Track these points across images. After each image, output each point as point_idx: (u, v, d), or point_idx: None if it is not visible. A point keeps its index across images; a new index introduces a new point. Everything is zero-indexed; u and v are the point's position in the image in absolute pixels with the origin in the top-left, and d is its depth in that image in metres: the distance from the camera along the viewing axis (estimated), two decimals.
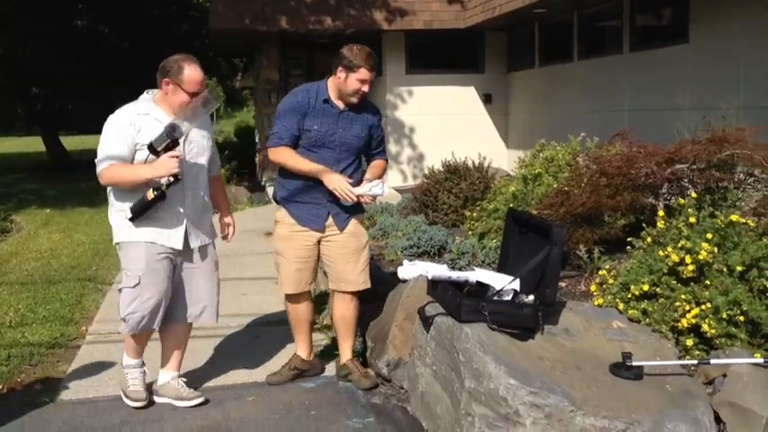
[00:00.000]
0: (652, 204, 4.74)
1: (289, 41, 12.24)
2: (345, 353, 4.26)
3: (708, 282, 3.60)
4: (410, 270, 4.62)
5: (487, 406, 3.07)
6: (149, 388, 4.01)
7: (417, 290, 4.13)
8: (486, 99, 12.42)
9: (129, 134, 3.66)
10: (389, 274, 5.18)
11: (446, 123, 12.02)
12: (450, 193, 7.26)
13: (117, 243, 3.84)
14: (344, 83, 3.96)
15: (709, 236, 3.71)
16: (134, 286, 3.76)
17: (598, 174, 4.88)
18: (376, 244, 6.54)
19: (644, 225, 4.24)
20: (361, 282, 4.16)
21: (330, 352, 4.60)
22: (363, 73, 3.93)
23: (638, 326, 3.68)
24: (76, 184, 15.35)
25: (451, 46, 12.33)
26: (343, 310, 4.20)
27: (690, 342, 3.51)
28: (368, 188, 3.95)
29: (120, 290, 3.86)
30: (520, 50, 12.04)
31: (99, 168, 3.69)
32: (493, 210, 6.05)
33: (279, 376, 4.25)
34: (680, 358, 3.47)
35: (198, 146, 3.87)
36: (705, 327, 3.46)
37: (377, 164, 4.23)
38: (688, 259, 3.63)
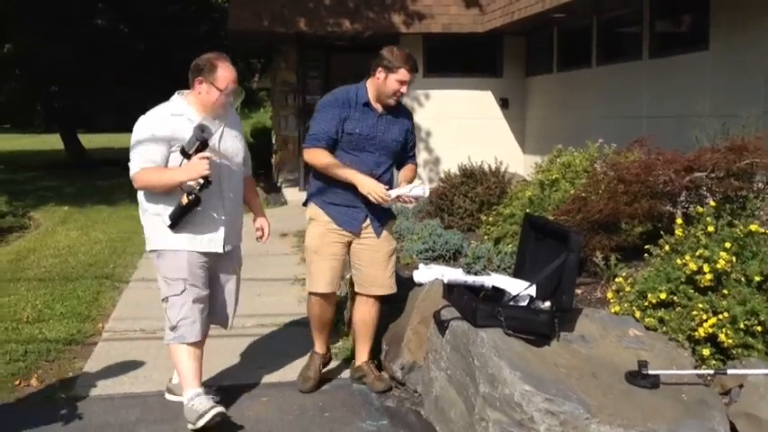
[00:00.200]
0: (670, 212, 4.71)
1: (306, 43, 12.28)
2: (361, 355, 4.26)
3: (725, 291, 3.58)
4: (426, 274, 4.62)
5: (502, 411, 3.07)
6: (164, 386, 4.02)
7: (433, 293, 4.13)
8: (504, 104, 12.40)
9: (161, 135, 3.57)
10: (405, 278, 5.18)
11: (463, 127, 12.01)
12: (466, 197, 7.25)
13: (154, 250, 3.71)
14: (384, 83, 3.96)
15: (728, 245, 3.68)
16: (181, 293, 3.64)
17: (616, 180, 4.86)
18: None
19: (661, 233, 4.22)
20: (390, 286, 4.17)
21: (344, 354, 4.61)
22: (403, 74, 3.94)
23: (654, 334, 3.66)
24: (94, 181, 15.49)
25: (469, 50, 12.31)
26: (365, 314, 4.19)
27: (706, 352, 3.49)
28: (408, 189, 3.95)
29: (164, 299, 3.71)
30: (538, 55, 12.01)
31: (132, 172, 3.61)
32: (509, 215, 6.04)
33: (311, 381, 4.15)
34: (696, 368, 3.45)
35: (232, 146, 3.80)
36: (722, 336, 3.43)
37: (410, 167, 4.25)
38: (706, 268, 3.61)
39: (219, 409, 3.56)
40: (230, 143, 3.79)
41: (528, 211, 5.51)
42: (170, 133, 3.58)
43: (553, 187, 5.93)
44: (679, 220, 4.22)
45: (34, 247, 8.45)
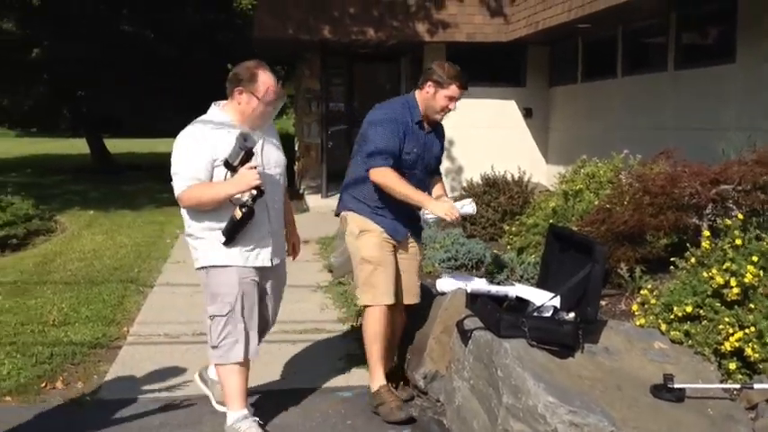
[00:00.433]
0: (696, 225, 4.68)
1: (330, 51, 12.34)
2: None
3: (752, 305, 3.55)
4: (449, 283, 4.62)
5: (525, 423, 3.06)
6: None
7: (455, 303, 4.13)
8: (527, 113, 12.37)
9: (204, 151, 3.42)
10: (427, 286, 5.18)
11: (486, 136, 11.99)
12: (489, 206, 7.24)
13: (203, 267, 3.56)
14: (433, 98, 3.91)
15: (755, 258, 3.66)
16: (226, 314, 3.52)
17: (641, 192, 4.83)
18: None
19: (687, 245, 4.19)
20: (418, 294, 4.17)
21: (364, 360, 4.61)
22: (453, 90, 3.88)
23: (680, 347, 3.63)
24: (119, 186, 15.64)
25: (493, 59, 12.28)
26: (396, 323, 4.11)
27: (732, 366, 3.46)
28: (459, 205, 3.91)
29: (211, 317, 3.57)
30: (562, 65, 11.97)
31: (178, 192, 3.45)
32: (532, 224, 6.03)
33: (403, 412, 3.83)
34: (722, 382, 3.42)
35: (274, 156, 3.67)
36: (748, 351, 3.40)
37: (440, 185, 4.22)
38: (733, 282, 3.58)
39: None
40: (272, 153, 3.68)
41: (552, 221, 5.50)
42: (212, 147, 3.43)
43: (577, 198, 5.91)
44: (706, 233, 4.19)
45: (60, 251, 8.56)
